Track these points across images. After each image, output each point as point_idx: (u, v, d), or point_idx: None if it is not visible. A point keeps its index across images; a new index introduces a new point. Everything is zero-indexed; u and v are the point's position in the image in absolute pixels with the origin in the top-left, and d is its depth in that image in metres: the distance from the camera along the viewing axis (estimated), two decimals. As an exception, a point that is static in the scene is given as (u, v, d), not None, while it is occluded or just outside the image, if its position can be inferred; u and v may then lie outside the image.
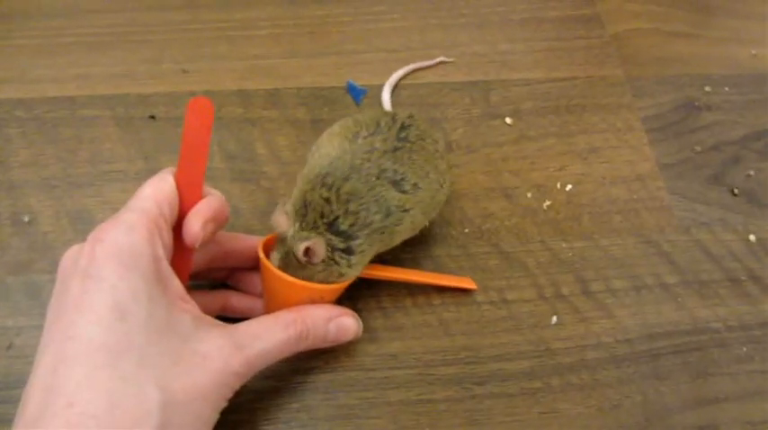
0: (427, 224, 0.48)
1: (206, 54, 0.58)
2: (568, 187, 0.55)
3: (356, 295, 0.48)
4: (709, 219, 0.55)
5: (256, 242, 0.44)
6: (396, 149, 0.43)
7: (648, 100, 0.60)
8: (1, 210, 0.49)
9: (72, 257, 0.37)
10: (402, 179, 0.43)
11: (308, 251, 0.40)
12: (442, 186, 0.46)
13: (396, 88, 0.58)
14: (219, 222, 0.41)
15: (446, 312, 0.49)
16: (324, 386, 0.46)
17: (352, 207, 0.41)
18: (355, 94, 0.57)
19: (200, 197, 0.40)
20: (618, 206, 0.55)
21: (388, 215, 0.42)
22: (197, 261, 0.42)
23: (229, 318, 0.43)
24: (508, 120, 0.57)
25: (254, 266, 0.44)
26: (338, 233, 0.41)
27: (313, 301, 0.43)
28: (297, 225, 0.41)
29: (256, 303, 0.46)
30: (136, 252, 0.36)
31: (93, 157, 0.52)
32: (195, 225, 0.38)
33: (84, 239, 0.48)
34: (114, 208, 0.49)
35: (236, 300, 0.46)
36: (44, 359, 0.34)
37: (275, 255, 0.42)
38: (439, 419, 0.45)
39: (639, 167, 0.57)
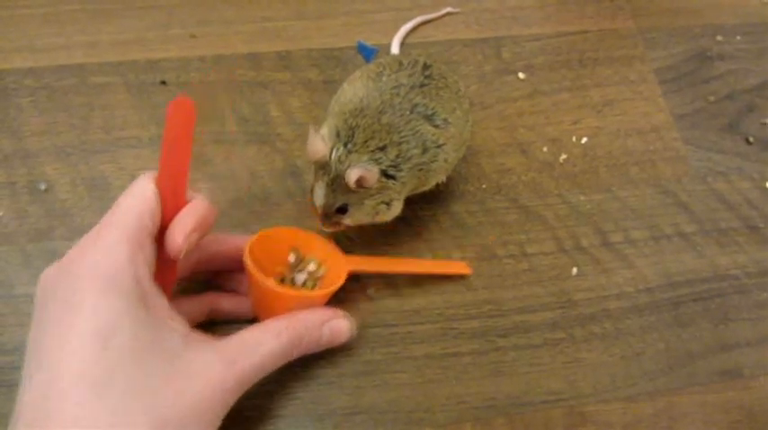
0: (444, 180, 0.48)
1: (214, 18, 0.57)
2: (584, 140, 0.55)
3: (377, 251, 0.48)
4: (726, 167, 0.55)
5: (243, 244, 0.41)
6: (422, 85, 0.43)
7: (661, 51, 0.60)
8: (17, 178, 0.49)
9: (50, 280, 0.35)
10: (433, 114, 0.43)
11: (359, 178, 0.39)
12: (467, 121, 0.46)
13: (406, 47, 0.57)
14: (204, 230, 0.38)
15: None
16: (348, 342, 0.46)
17: (395, 138, 0.41)
18: (366, 53, 0.56)
19: (185, 202, 0.38)
20: (634, 157, 0.54)
21: (425, 151, 0.42)
22: (180, 267, 0.40)
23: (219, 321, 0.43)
24: (521, 75, 0.57)
25: (242, 268, 0.41)
26: (388, 158, 0.40)
27: (302, 308, 0.41)
28: (342, 147, 0.40)
29: (245, 303, 0.44)
30: (116, 273, 0.34)
31: (107, 124, 0.51)
32: (178, 237, 0.36)
33: (100, 207, 0.48)
34: (130, 174, 0.50)
35: (225, 302, 0.44)
36: (29, 393, 0.32)
37: (319, 184, 0.41)
38: (464, 372, 0.46)
39: (654, 119, 0.56)
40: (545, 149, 0.54)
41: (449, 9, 0.59)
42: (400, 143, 0.41)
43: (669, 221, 0.52)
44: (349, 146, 0.40)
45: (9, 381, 0.43)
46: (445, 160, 0.44)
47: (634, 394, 0.46)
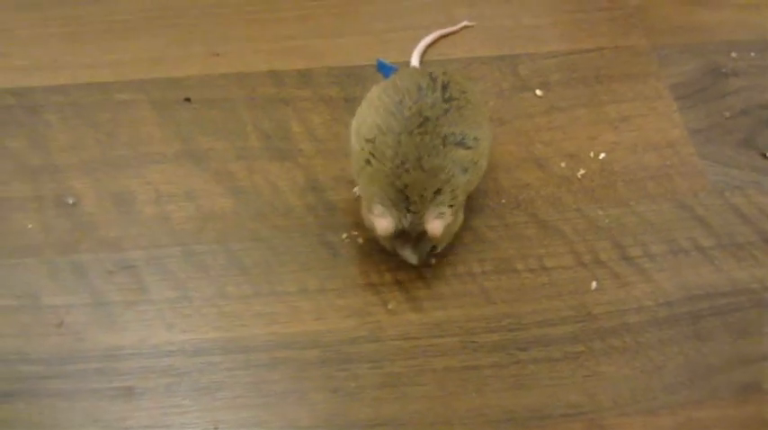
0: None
1: (235, 36, 0.58)
2: (601, 156, 0.55)
3: (396, 266, 0.49)
4: (742, 182, 0.55)
5: None
6: (446, 112, 0.45)
7: (675, 67, 0.60)
8: (45, 193, 0.50)
9: None
10: (463, 138, 0.45)
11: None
12: (490, 126, 0.49)
13: (425, 65, 0.58)
14: None
15: (486, 281, 0.49)
16: (370, 355, 0.46)
17: (442, 177, 0.44)
18: (385, 71, 0.57)
19: None
20: (651, 172, 0.55)
21: (465, 171, 0.45)
22: None
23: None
24: (538, 92, 0.58)
25: None
26: (446, 196, 0.44)
27: None
28: (408, 214, 0.43)
29: None
30: None
31: (132, 140, 0.52)
32: None
33: (126, 220, 0.49)
34: (155, 188, 0.51)
35: None
36: None
37: (410, 251, 0.45)
38: (485, 385, 0.46)
39: (670, 134, 0.57)
40: (563, 165, 0.54)
41: (465, 23, 0.60)
42: (449, 180, 0.44)
43: (686, 235, 0.52)
44: (412, 208, 0.43)
45: (35, 391, 0.44)
46: (481, 167, 0.48)
47: (654, 408, 0.46)
